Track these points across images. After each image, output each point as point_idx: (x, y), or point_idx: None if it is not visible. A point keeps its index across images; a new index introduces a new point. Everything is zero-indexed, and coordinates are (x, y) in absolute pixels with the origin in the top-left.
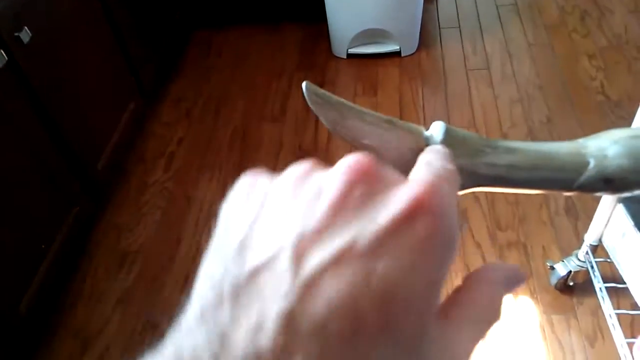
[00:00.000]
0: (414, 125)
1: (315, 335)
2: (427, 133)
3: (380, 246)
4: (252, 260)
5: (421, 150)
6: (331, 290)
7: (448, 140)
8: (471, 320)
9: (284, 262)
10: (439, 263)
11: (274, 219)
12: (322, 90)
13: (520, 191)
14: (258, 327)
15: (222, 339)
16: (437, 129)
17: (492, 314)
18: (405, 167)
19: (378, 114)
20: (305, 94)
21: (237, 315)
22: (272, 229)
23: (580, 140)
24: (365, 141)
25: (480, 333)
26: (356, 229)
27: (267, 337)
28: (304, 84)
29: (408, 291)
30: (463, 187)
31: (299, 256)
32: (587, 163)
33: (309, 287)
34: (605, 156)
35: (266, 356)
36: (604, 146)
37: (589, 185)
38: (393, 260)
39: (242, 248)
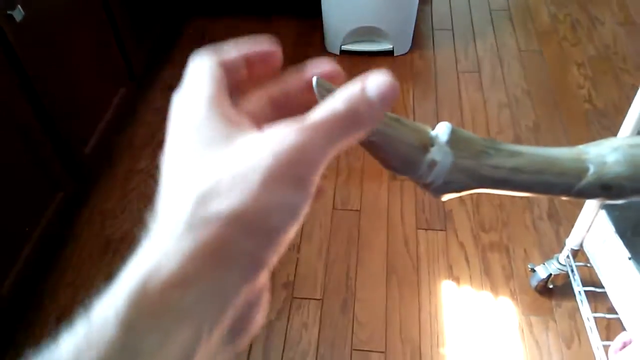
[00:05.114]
0: (420, 125)
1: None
2: (432, 133)
3: None
4: None
5: (426, 148)
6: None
7: (453, 140)
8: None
9: None
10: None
11: None
12: (331, 86)
13: (519, 194)
14: None
15: None
16: (442, 129)
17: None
18: (409, 164)
19: (385, 112)
20: (315, 89)
21: None
22: None
23: (582, 147)
24: (372, 138)
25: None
26: None
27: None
28: (314, 79)
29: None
30: (466, 188)
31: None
32: (587, 169)
33: None
34: (604, 163)
35: None
36: (604, 153)
37: (588, 191)
38: None
39: None
